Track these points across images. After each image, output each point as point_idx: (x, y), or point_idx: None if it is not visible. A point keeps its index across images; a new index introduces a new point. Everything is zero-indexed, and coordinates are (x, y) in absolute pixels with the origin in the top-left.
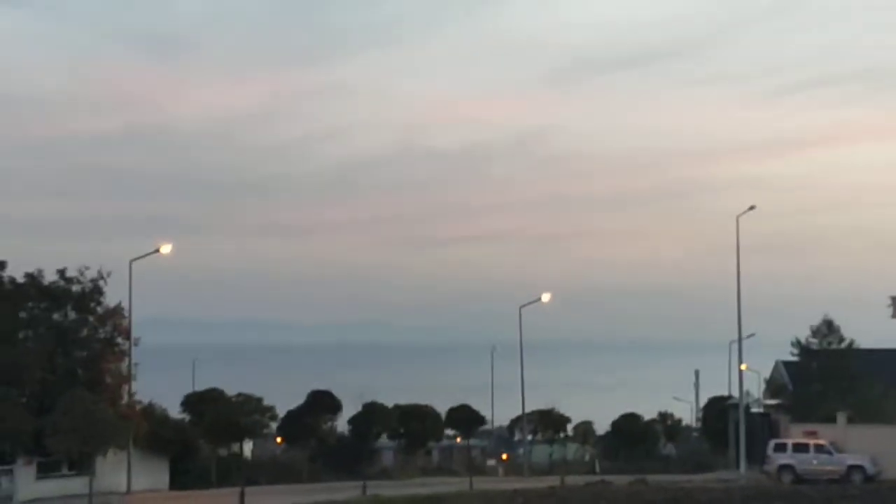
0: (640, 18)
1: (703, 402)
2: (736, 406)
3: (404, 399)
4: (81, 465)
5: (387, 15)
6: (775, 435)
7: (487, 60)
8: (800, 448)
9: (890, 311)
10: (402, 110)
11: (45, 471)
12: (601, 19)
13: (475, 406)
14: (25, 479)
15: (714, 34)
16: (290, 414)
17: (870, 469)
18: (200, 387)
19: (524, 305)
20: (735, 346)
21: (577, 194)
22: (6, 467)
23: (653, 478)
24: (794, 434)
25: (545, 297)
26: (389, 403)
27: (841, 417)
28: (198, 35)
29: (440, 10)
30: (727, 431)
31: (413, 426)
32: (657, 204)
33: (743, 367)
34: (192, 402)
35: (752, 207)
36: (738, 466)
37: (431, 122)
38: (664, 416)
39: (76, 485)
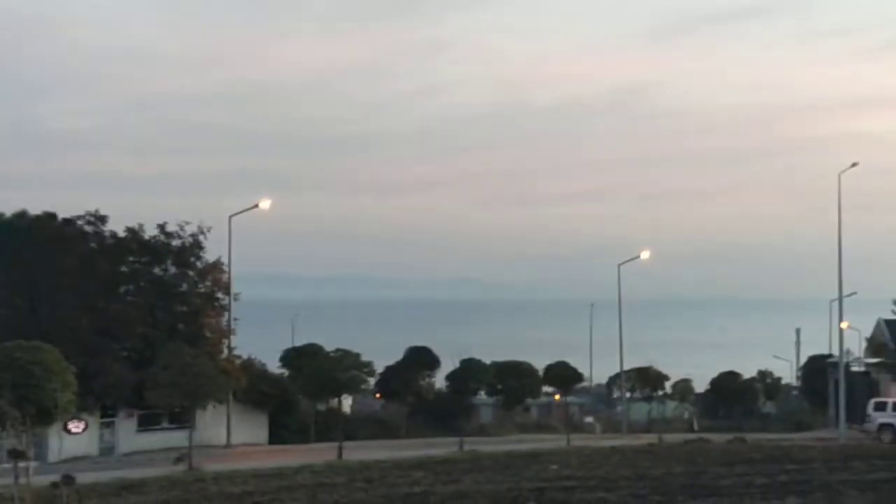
0: None
1: (803, 360)
2: (836, 365)
3: (502, 356)
4: (181, 418)
5: None
6: (876, 394)
7: (586, 16)
8: None
9: None
10: (501, 67)
11: (145, 423)
12: None
13: (573, 363)
14: (127, 432)
15: None
16: (388, 369)
17: None
18: (299, 342)
19: (623, 263)
20: (836, 305)
21: (677, 151)
22: (108, 420)
23: (751, 436)
24: (895, 393)
25: (644, 255)
26: (487, 360)
27: None
28: None
29: None
30: (827, 390)
31: (511, 383)
32: (759, 160)
33: (843, 325)
34: (291, 357)
35: (854, 164)
36: (837, 425)
37: (530, 79)
38: (764, 375)
39: (176, 438)
